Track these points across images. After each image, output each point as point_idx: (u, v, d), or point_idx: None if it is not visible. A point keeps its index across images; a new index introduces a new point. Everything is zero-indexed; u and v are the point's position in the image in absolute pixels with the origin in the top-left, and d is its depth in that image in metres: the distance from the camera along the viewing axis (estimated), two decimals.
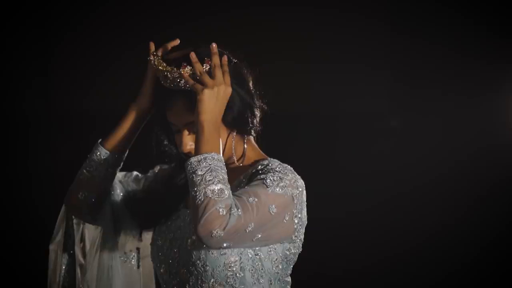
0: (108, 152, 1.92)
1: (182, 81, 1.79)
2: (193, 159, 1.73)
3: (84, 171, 1.93)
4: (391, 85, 3.30)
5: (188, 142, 1.83)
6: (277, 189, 1.75)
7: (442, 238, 3.27)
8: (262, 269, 1.81)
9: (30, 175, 3.25)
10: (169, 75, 1.80)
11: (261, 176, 1.77)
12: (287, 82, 3.16)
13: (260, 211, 1.71)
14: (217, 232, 1.66)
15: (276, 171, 1.78)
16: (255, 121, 1.87)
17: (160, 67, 1.81)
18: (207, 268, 1.78)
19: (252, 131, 1.88)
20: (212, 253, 1.78)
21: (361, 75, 3.29)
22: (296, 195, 1.78)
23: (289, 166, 1.82)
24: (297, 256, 1.87)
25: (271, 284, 1.83)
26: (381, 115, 3.31)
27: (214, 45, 1.80)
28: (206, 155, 1.73)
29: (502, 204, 3.26)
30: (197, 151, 1.75)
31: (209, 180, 1.69)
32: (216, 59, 1.79)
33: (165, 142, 1.94)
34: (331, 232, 3.20)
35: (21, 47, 3.24)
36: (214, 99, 1.77)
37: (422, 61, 3.26)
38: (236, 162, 1.87)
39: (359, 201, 3.26)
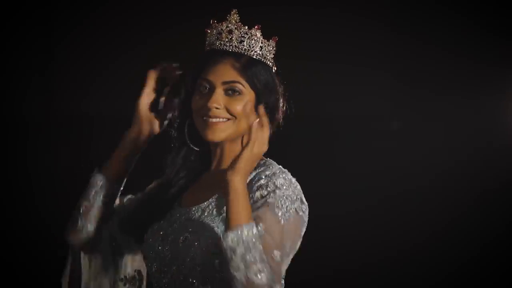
0: (104, 179, 1.91)
1: (244, 43, 1.84)
2: (231, 235, 1.66)
3: (82, 200, 1.92)
4: (391, 86, 3.30)
5: (218, 100, 1.81)
6: (291, 217, 1.73)
7: (442, 238, 3.27)
8: None
9: (30, 175, 3.26)
10: (234, 29, 1.84)
11: (270, 204, 1.73)
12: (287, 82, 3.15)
13: (284, 258, 1.71)
14: None
15: (284, 193, 1.75)
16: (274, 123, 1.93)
17: (234, 15, 1.85)
18: (197, 268, 1.75)
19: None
20: (205, 252, 1.75)
21: (361, 76, 3.28)
22: (304, 212, 1.78)
23: (290, 175, 1.81)
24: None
25: None
26: (381, 116, 3.31)
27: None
28: (242, 227, 1.67)
29: (502, 204, 3.26)
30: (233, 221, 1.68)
31: (249, 262, 1.64)
32: (266, 121, 1.80)
33: (176, 124, 1.91)
34: (330, 232, 3.20)
35: (21, 47, 3.24)
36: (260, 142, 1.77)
37: (423, 62, 3.26)
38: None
39: (359, 202, 3.26)
